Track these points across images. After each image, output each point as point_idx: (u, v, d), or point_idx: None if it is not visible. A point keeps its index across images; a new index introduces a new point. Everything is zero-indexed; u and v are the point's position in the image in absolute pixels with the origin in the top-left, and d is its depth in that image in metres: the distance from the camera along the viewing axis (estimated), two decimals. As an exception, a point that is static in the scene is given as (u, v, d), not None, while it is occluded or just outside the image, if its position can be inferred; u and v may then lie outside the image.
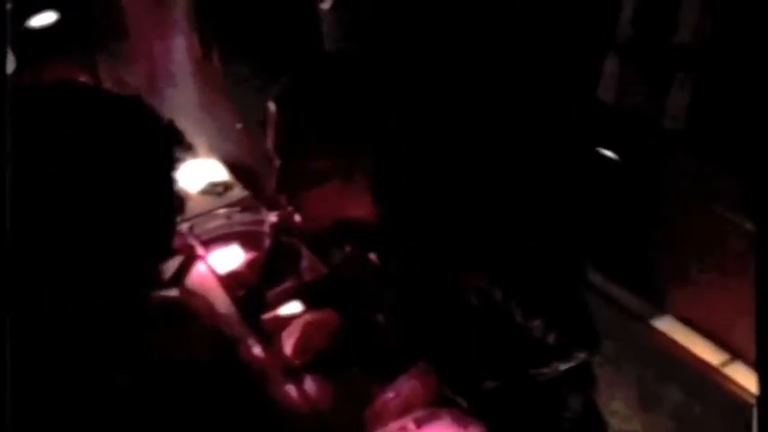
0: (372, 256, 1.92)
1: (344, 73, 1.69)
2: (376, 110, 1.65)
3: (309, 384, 1.91)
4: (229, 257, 2.40)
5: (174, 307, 1.92)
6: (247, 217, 2.58)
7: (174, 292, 2.06)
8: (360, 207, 1.75)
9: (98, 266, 1.24)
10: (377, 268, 1.93)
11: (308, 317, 2.11)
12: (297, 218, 1.81)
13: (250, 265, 2.35)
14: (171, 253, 1.81)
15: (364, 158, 1.66)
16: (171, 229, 1.38)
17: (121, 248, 1.25)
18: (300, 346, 2.02)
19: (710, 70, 2.85)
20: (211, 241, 2.46)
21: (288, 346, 2.03)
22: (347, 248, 2.14)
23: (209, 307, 2.03)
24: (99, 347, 1.27)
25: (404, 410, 1.84)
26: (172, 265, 2.25)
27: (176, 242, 2.36)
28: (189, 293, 2.06)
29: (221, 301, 2.12)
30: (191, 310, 1.93)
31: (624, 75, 3.08)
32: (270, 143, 1.70)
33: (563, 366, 1.82)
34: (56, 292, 1.21)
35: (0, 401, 1.10)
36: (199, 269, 2.32)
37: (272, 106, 1.68)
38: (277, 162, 1.71)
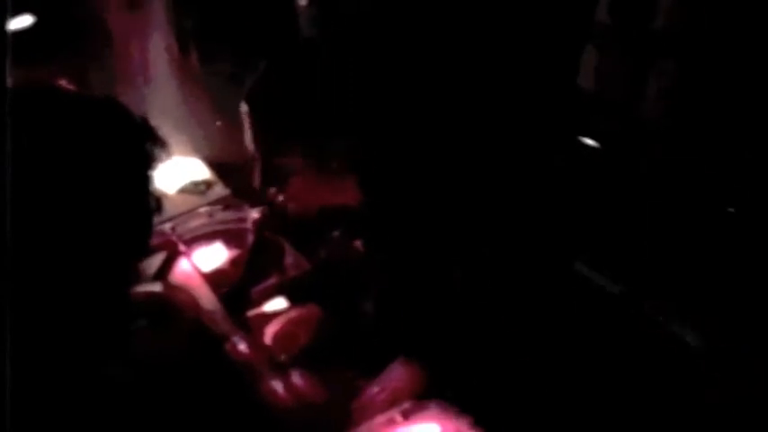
0: (358, 243, 1.92)
1: (312, 63, 1.70)
2: (348, 97, 1.65)
3: (296, 378, 1.90)
4: (213, 255, 2.39)
5: (159, 302, 1.92)
6: (230, 215, 2.57)
7: (158, 287, 2.06)
8: (343, 194, 1.76)
9: (75, 266, 1.23)
10: (363, 256, 1.93)
11: (290, 313, 2.11)
12: (284, 207, 1.82)
13: (233, 262, 2.35)
14: (148, 253, 1.80)
15: (342, 147, 1.67)
16: (148, 228, 1.38)
17: (98, 248, 1.25)
18: (283, 342, 2.02)
19: (689, 57, 2.86)
20: (194, 240, 2.45)
21: (270, 342, 2.03)
22: (332, 238, 2.15)
23: (194, 302, 2.02)
24: (81, 346, 1.27)
25: (390, 403, 1.84)
26: (155, 262, 2.24)
27: (158, 240, 2.36)
28: (173, 289, 2.05)
29: (206, 298, 2.11)
30: (175, 305, 1.93)
31: (603, 62, 3.09)
32: (247, 141, 1.71)
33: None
34: (35, 292, 1.21)
35: (0, 401, 1.10)
36: (182, 266, 2.31)
37: (243, 106, 1.69)
38: (257, 158, 1.72)
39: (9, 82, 1.28)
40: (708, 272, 2.93)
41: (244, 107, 1.70)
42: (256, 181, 1.77)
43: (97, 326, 1.33)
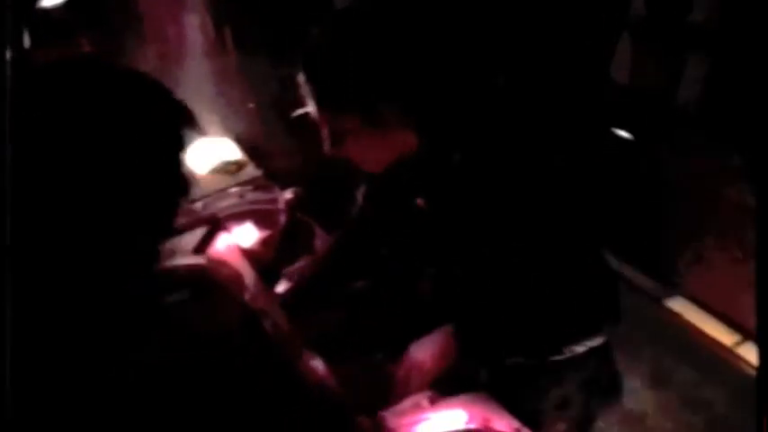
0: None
1: (359, 25, 1.72)
2: (402, 54, 1.68)
3: (318, 364, 1.90)
4: (243, 235, 2.40)
5: (201, 275, 1.93)
6: (260, 195, 2.57)
7: (201, 260, 2.07)
8: (401, 146, 1.78)
9: (104, 243, 1.24)
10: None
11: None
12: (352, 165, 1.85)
13: (264, 242, 2.35)
14: (172, 232, 1.81)
15: (397, 102, 1.69)
16: (174, 207, 1.39)
17: (126, 225, 1.26)
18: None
19: (724, 50, 2.84)
20: (225, 219, 2.46)
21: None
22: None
23: (238, 277, 2.03)
24: (108, 325, 1.28)
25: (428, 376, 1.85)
26: (196, 236, 2.25)
27: (197, 216, 2.38)
28: (217, 263, 2.06)
29: (246, 273, 2.12)
30: (218, 278, 1.93)
31: (638, 55, 3.07)
32: (310, 108, 1.75)
33: (588, 344, 1.85)
34: (62, 270, 1.22)
35: (0, 400, 1.11)
36: (222, 240, 2.32)
37: (300, 76, 1.73)
38: (321, 122, 1.76)
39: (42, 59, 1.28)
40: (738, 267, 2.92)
41: (301, 76, 1.73)
42: (325, 146, 1.79)
43: (124, 303, 1.34)
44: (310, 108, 1.76)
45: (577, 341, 1.86)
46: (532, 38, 2.58)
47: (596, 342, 1.88)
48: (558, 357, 1.86)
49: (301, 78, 1.74)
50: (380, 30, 1.70)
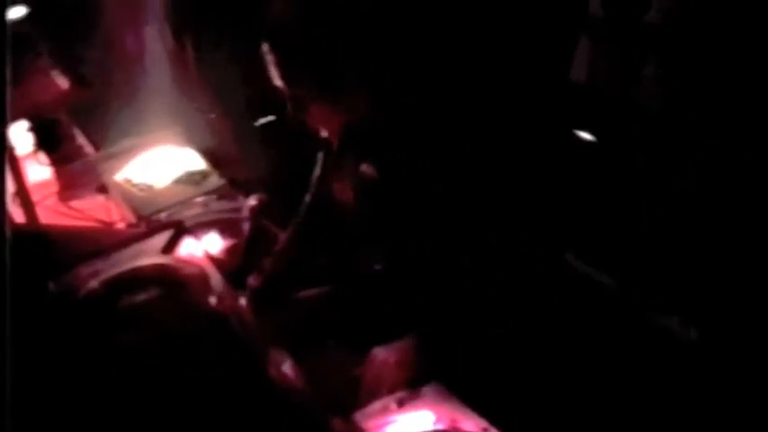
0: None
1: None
2: (361, 27, 1.73)
3: (286, 364, 1.91)
4: (208, 245, 2.40)
5: (168, 274, 1.93)
6: (225, 204, 2.58)
7: (167, 260, 2.07)
8: (358, 111, 1.83)
9: None
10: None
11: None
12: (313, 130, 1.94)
13: (229, 251, 2.36)
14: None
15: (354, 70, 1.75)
16: None
17: None
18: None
19: (682, 48, 2.87)
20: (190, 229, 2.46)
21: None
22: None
23: (204, 276, 2.04)
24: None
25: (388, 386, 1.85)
26: (162, 239, 2.25)
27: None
28: (183, 262, 2.06)
29: (211, 273, 2.12)
30: (184, 277, 1.94)
31: (596, 55, 3.10)
32: (273, 77, 1.84)
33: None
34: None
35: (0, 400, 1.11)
36: (187, 242, 2.32)
37: (264, 46, 1.82)
38: (285, 90, 1.84)
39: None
40: (700, 265, 2.95)
41: (264, 46, 1.81)
42: (289, 111, 1.86)
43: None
44: (273, 76, 1.83)
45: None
46: (489, 38, 2.60)
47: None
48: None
49: (265, 48, 1.81)
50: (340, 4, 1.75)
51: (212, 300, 1.92)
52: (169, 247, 2.24)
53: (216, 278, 2.11)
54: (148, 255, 2.16)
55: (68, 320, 1.28)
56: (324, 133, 1.95)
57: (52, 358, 1.22)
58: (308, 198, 2.24)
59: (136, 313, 1.48)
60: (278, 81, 1.84)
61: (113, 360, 1.27)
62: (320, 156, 2.19)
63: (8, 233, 1.13)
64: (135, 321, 1.41)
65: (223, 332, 1.76)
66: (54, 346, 1.23)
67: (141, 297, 1.69)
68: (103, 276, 1.99)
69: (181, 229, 2.32)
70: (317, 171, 2.22)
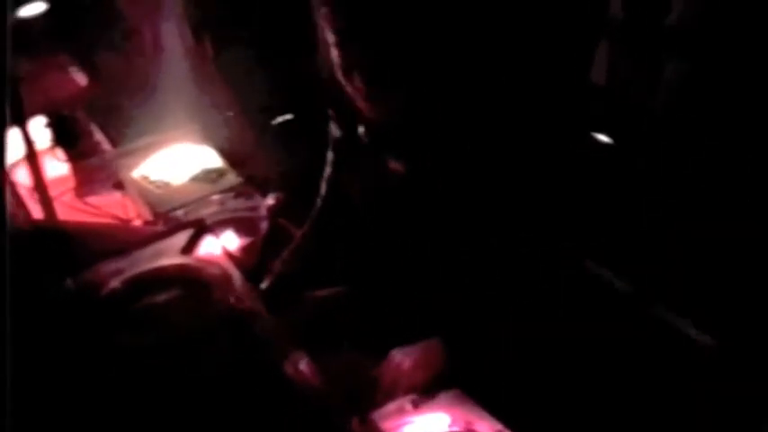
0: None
1: None
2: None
3: (303, 364, 1.91)
4: (225, 243, 2.40)
5: (190, 274, 1.93)
6: (241, 203, 2.58)
7: (188, 260, 2.07)
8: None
9: None
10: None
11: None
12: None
13: (246, 250, 2.36)
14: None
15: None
16: None
17: None
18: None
19: (703, 53, 2.86)
20: (207, 226, 2.47)
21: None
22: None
23: (226, 277, 2.03)
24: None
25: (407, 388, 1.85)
26: (182, 238, 2.25)
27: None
28: (205, 262, 2.06)
29: (233, 273, 2.12)
30: (206, 278, 1.93)
31: (616, 58, 3.09)
32: (339, 60, 1.77)
33: None
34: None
35: (0, 400, 1.11)
36: (208, 241, 2.32)
37: (329, 34, 1.74)
38: (340, 52, 1.76)
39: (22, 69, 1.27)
40: (715, 270, 2.93)
41: (323, 10, 1.74)
42: (337, 73, 1.80)
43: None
44: (330, 39, 1.76)
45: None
46: (510, 40, 2.59)
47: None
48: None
49: (323, 12, 1.74)
50: None
51: (233, 300, 1.91)
52: (190, 246, 2.24)
53: (237, 278, 2.11)
54: (169, 254, 2.17)
55: (88, 318, 1.28)
56: (365, 106, 1.87)
57: (70, 355, 1.22)
58: (322, 195, 2.23)
59: (157, 313, 1.48)
60: (335, 50, 1.77)
61: (134, 360, 1.27)
62: (330, 153, 2.17)
63: (10, 227, 1.13)
64: (156, 322, 1.40)
65: (243, 332, 1.76)
66: (72, 343, 1.22)
67: (163, 297, 1.69)
68: (125, 276, 2.00)
69: (201, 229, 2.33)
70: (329, 169, 2.20)
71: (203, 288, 1.87)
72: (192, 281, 1.91)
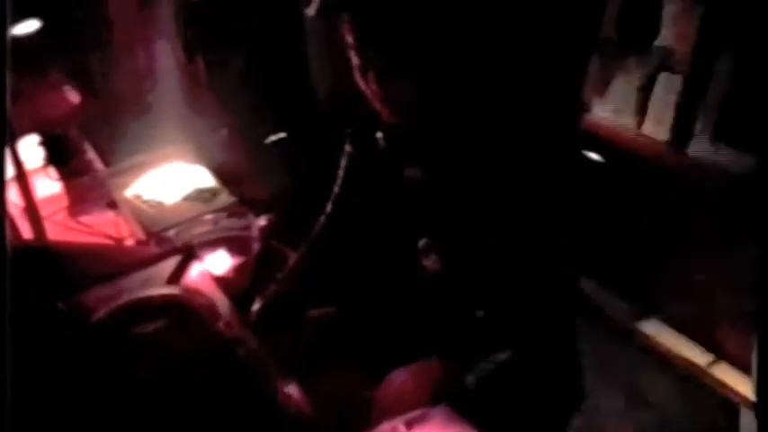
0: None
1: None
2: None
3: (293, 389, 1.90)
4: (217, 263, 2.40)
5: (176, 303, 1.92)
6: (234, 222, 2.57)
7: (175, 290, 2.06)
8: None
9: None
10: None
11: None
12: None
13: (238, 270, 2.35)
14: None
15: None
16: None
17: None
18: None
19: (694, 72, 2.87)
20: (198, 247, 2.46)
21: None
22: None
23: (212, 305, 2.03)
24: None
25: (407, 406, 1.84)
26: (169, 266, 2.25)
27: (170, 246, 2.37)
28: (191, 291, 2.05)
29: (220, 301, 2.11)
30: (192, 306, 1.93)
31: (608, 76, 3.10)
32: (351, 49, 1.75)
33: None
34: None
35: (0, 401, 1.10)
36: (196, 269, 2.31)
37: (348, 37, 1.73)
38: (359, 59, 1.75)
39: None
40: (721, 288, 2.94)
41: (348, 36, 1.73)
42: (358, 80, 1.79)
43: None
44: (349, 42, 1.75)
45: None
46: (501, 58, 2.59)
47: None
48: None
49: (343, 18, 1.73)
50: None
51: (220, 330, 1.91)
52: (177, 274, 2.23)
53: (224, 305, 2.10)
54: (158, 281, 2.16)
55: (77, 346, 1.28)
56: (387, 107, 1.88)
57: (59, 384, 1.21)
58: (327, 214, 2.22)
59: (145, 344, 1.48)
60: (353, 53, 1.76)
61: (122, 391, 1.26)
62: (341, 172, 2.16)
63: (9, 245, 1.12)
64: (143, 352, 1.40)
65: (231, 362, 1.75)
66: (61, 371, 1.22)
67: (150, 327, 1.68)
68: (112, 305, 1.99)
69: (190, 255, 2.32)
70: (338, 189, 2.19)
71: (190, 318, 1.87)
72: (179, 311, 1.90)
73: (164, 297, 2.02)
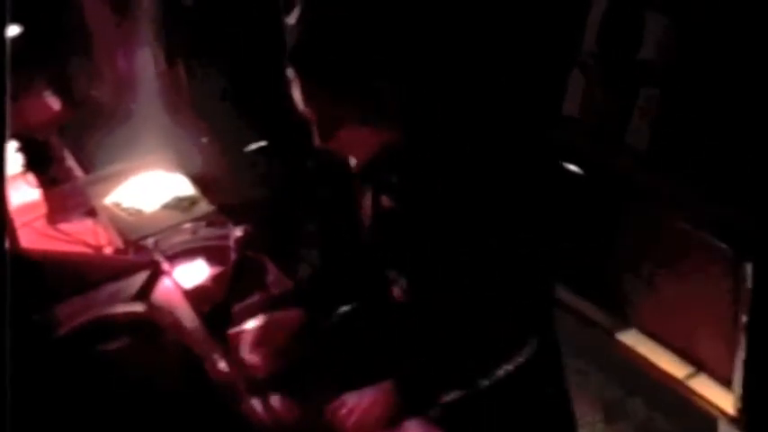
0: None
1: (347, 17, 1.74)
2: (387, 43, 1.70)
3: (274, 400, 1.89)
4: (195, 272, 2.39)
5: (141, 322, 1.91)
6: (213, 231, 2.58)
7: (140, 308, 2.05)
8: (387, 137, 1.78)
9: None
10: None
11: (270, 316, 2.11)
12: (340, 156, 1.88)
13: (215, 279, 2.34)
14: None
15: (385, 92, 1.71)
16: None
17: None
18: (261, 344, 2.03)
19: (675, 87, 2.88)
20: (177, 256, 2.45)
21: (247, 346, 2.03)
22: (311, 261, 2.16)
23: (176, 322, 2.02)
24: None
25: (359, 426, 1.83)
26: (138, 281, 2.23)
27: (142, 258, 2.35)
28: (156, 309, 2.04)
29: (187, 317, 2.10)
30: (158, 325, 1.92)
31: (589, 90, 3.11)
32: (298, 102, 1.76)
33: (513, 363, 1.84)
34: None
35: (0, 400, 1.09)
36: (164, 284, 2.30)
37: (289, 70, 1.73)
38: (312, 116, 1.76)
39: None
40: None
41: (289, 71, 1.73)
42: (316, 140, 1.79)
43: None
44: (298, 101, 1.76)
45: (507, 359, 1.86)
46: (481, 69, 2.60)
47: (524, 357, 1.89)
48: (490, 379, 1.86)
49: (290, 73, 1.74)
50: (365, 13, 1.73)
51: (186, 346, 1.90)
52: (145, 289, 2.22)
53: (192, 321, 2.09)
54: (124, 296, 2.14)
55: (44, 361, 1.27)
56: (353, 160, 1.89)
57: (25, 396, 1.21)
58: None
59: (106, 361, 1.47)
60: (303, 106, 1.77)
61: (86, 408, 1.25)
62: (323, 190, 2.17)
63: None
64: (106, 369, 1.39)
65: (195, 379, 1.75)
66: (28, 383, 1.21)
67: (114, 345, 1.67)
68: (77, 321, 1.96)
69: (157, 271, 2.31)
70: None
71: (154, 335, 1.86)
72: (145, 328, 1.89)
73: (128, 315, 2.00)
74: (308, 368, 2.01)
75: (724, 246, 2.71)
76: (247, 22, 3.37)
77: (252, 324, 2.12)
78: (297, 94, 1.76)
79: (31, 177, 2.93)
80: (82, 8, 3.42)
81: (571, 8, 3.11)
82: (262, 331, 2.07)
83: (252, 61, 3.30)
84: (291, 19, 1.76)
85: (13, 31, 3.01)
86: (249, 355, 2.03)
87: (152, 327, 1.90)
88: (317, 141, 1.80)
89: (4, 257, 1.13)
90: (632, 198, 3.06)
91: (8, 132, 1.11)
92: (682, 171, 2.85)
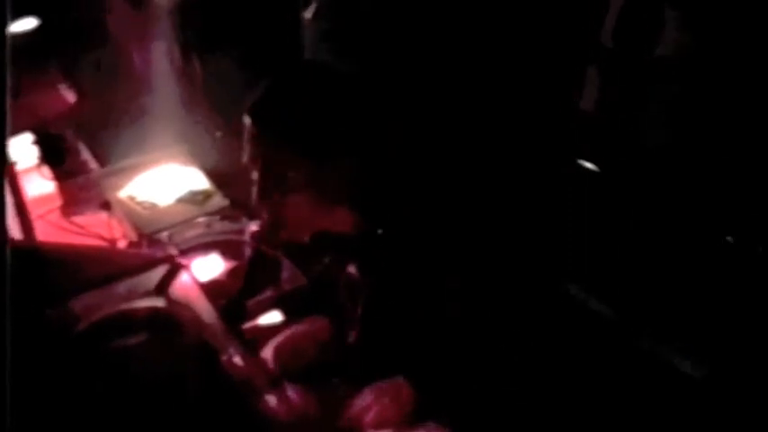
0: (351, 267, 1.92)
1: (318, 83, 1.71)
2: (351, 119, 1.67)
3: (291, 393, 1.89)
4: (209, 266, 2.39)
5: (161, 317, 1.91)
6: (228, 226, 2.57)
7: (160, 302, 2.05)
8: (336, 219, 1.77)
9: None
10: (354, 279, 1.93)
11: (298, 327, 2.10)
12: (278, 226, 1.82)
13: (230, 274, 2.34)
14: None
15: (341, 168, 1.68)
16: None
17: None
18: (287, 356, 2.03)
19: (691, 84, 2.87)
20: (191, 250, 2.45)
21: (272, 355, 2.02)
22: (326, 259, 2.14)
23: (195, 317, 2.02)
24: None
25: (377, 422, 1.83)
26: (156, 275, 2.23)
27: (159, 253, 2.35)
28: (175, 304, 2.04)
29: (205, 311, 2.10)
30: (177, 320, 1.92)
31: (605, 87, 3.10)
32: (246, 153, 1.72)
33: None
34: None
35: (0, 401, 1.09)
36: (182, 279, 2.30)
37: (246, 119, 1.70)
38: (257, 172, 1.72)
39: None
40: (706, 300, 2.93)
41: (246, 119, 1.70)
42: (254, 195, 1.77)
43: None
44: (246, 153, 1.75)
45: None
46: (499, 62, 2.58)
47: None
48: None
49: (246, 121, 1.73)
50: (343, 88, 1.70)
51: (204, 341, 1.90)
52: (163, 284, 2.22)
53: (210, 315, 2.08)
54: (143, 290, 2.13)
55: (60, 357, 1.27)
56: (296, 229, 1.87)
57: (41, 395, 1.20)
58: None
59: (125, 357, 1.46)
60: (249, 159, 1.76)
61: (101, 405, 1.25)
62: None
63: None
64: (124, 365, 1.39)
65: (213, 373, 1.74)
66: (44, 382, 1.21)
67: (132, 341, 1.67)
68: (94, 317, 1.96)
69: (175, 266, 2.30)
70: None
71: (173, 332, 1.85)
72: (163, 323, 1.89)
73: (146, 310, 2.00)
74: (326, 364, 2.01)
75: (738, 243, 2.70)
76: (264, 16, 3.36)
77: (265, 321, 2.12)
78: (246, 144, 1.74)
79: (45, 170, 2.93)
80: (98, 1, 3.42)
81: (587, 4, 3.10)
82: (289, 342, 2.07)
83: (268, 56, 3.29)
84: (308, 13, 1.74)
85: (28, 24, 3.01)
86: (273, 365, 2.03)
87: (172, 322, 1.90)
88: (254, 197, 1.78)
89: (4, 257, 1.12)
90: (646, 195, 3.05)
91: (8, 132, 1.10)
92: (698, 168, 2.83)
